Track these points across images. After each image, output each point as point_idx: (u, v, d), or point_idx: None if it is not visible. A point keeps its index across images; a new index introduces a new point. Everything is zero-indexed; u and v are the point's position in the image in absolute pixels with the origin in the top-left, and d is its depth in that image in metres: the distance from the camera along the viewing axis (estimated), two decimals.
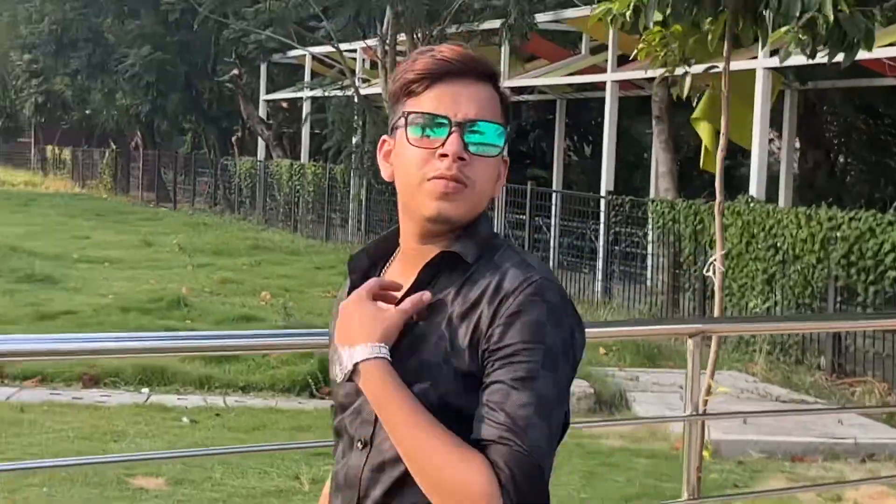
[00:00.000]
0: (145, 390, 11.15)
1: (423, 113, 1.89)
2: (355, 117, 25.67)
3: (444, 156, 1.86)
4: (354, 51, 26.74)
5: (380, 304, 1.89)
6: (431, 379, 1.84)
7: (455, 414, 1.80)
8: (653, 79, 11.64)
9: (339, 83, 27.20)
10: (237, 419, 10.25)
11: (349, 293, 1.95)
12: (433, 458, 1.77)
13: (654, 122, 19.13)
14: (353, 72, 25.71)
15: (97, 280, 18.85)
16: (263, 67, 32.60)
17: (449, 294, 1.89)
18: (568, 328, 1.83)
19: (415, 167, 1.89)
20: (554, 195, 20.25)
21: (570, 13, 19.86)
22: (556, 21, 20.78)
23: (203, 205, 35.66)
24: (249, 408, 10.66)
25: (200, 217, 32.64)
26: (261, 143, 33.57)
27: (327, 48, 26.97)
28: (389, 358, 1.81)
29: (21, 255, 21.19)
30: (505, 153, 1.96)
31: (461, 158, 1.85)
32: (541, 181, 22.22)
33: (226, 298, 16.74)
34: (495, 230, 2.03)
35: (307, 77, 29.39)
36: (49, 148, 54.74)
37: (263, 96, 32.84)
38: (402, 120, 1.92)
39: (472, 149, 1.86)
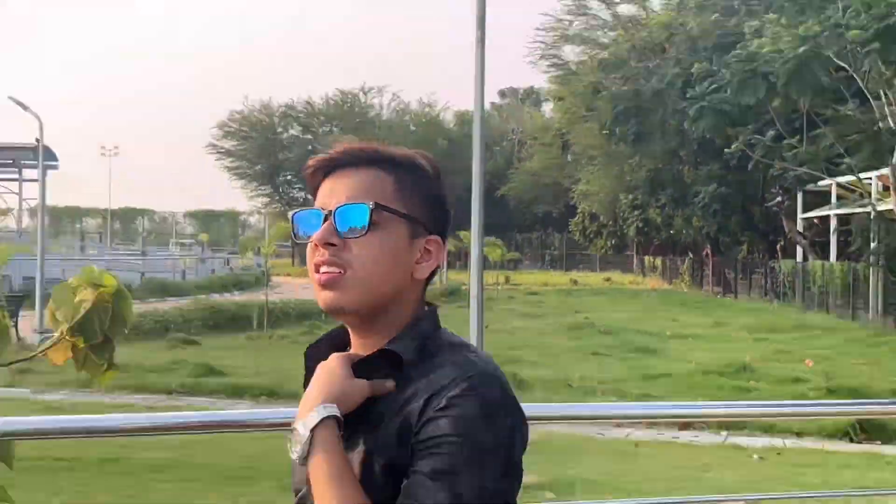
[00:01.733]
0: (724, 433, 10.44)
1: (301, 210, 1.35)
2: (872, 228, 24.27)
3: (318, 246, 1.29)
4: (870, 178, 25.17)
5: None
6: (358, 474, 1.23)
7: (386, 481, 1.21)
8: None
9: (860, 203, 25.77)
10: (796, 457, 9.40)
11: (305, 384, 1.32)
12: None
13: None
14: (869, 194, 24.33)
15: (683, 351, 18.09)
16: (799, 195, 31.13)
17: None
18: (505, 427, 1.21)
19: (308, 263, 1.33)
20: None
21: None
22: None
23: (755, 295, 34.21)
24: (803, 448, 9.85)
25: (755, 304, 31.30)
26: (799, 250, 31.96)
27: (849, 178, 25.62)
28: (341, 417, 1.21)
29: (630, 332, 21.12)
30: (416, 232, 1.30)
31: (331, 244, 1.27)
32: None
33: (779, 364, 16.00)
34: (441, 326, 1.34)
35: (833, 199, 27.87)
36: (646, 258, 53.30)
37: (801, 215, 31.37)
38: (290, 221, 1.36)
39: (340, 233, 1.27)
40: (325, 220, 1.27)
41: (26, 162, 35.49)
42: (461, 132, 58.06)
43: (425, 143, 50.18)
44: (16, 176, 39.72)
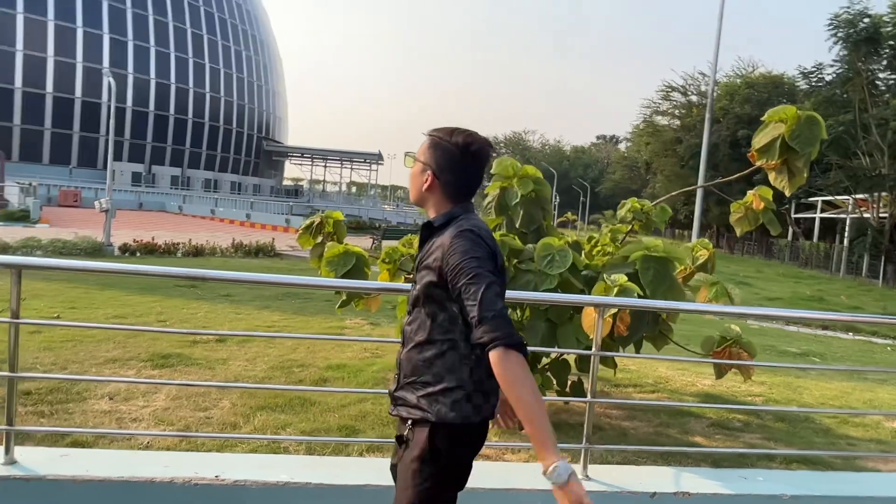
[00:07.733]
0: (850, 332, 10.47)
1: None
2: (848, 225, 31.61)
3: None
4: (848, 199, 31.73)
5: None
6: (421, 278, 2.07)
7: (428, 293, 2.04)
8: None
9: (835, 212, 33.78)
10: None
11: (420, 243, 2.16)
12: None
13: None
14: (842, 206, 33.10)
15: (761, 287, 18.70)
16: (793, 203, 38.51)
17: (433, 240, 2.08)
18: (484, 247, 1.97)
19: None
20: None
21: None
22: None
23: (755, 256, 41.31)
24: None
25: (756, 260, 38.66)
26: (790, 232, 39.95)
27: (827, 197, 32.63)
28: None
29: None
30: (424, 169, 2.11)
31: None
32: None
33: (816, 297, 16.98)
34: (469, 214, 2.10)
35: (818, 210, 36.37)
36: (676, 230, 63.45)
37: (793, 215, 39.05)
38: None
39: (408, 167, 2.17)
40: None
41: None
42: (574, 157, 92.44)
43: (555, 163, 75.88)
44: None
